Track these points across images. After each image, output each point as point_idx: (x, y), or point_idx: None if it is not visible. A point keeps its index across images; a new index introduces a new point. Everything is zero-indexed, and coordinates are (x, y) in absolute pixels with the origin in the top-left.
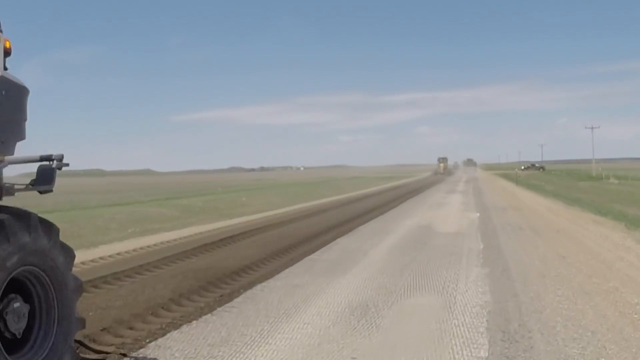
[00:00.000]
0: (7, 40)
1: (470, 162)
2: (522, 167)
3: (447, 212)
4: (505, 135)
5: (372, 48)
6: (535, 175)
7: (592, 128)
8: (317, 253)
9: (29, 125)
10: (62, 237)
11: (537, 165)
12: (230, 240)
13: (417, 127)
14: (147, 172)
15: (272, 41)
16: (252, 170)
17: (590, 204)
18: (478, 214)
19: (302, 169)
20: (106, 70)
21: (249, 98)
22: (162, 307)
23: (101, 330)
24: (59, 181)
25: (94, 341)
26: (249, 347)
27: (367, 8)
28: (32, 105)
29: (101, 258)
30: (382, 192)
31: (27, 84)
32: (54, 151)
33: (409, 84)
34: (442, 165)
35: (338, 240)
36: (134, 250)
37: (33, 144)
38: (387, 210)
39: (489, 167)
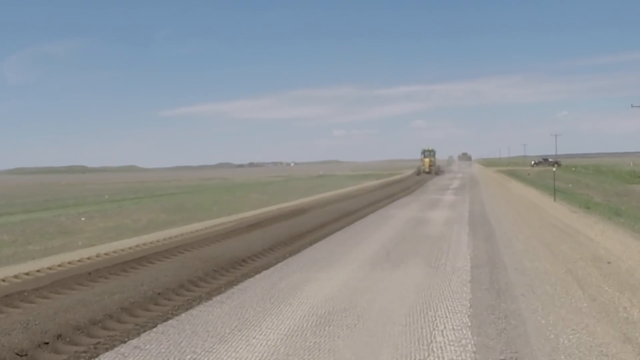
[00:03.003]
0: None
1: (464, 157)
2: (532, 163)
3: None
4: (505, 129)
5: (366, 40)
6: (551, 174)
7: None
8: None
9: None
10: None
11: (550, 160)
12: None
13: (412, 120)
14: (132, 169)
15: (263, 33)
16: (241, 166)
17: None
18: None
19: (292, 164)
20: (91, 64)
21: (239, 92)
22: None
23: None
24: None
25: None
26: None
27: None
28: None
29: None
30: (309, 208)
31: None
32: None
33: (404, 76)
34: (427, 161)
35: None
36: None
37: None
38: None
39: (489, 163)
